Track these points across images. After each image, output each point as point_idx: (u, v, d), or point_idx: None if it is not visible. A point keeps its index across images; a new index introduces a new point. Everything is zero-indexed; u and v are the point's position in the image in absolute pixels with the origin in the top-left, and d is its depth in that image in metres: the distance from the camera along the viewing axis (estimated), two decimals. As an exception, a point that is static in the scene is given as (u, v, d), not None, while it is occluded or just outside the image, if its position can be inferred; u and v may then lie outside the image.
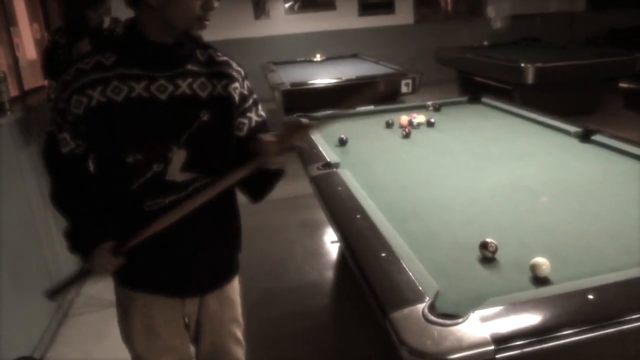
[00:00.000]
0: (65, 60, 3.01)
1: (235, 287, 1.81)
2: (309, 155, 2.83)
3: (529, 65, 5.99)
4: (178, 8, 1.38)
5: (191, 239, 1.58)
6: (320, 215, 3.41)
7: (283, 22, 9.83)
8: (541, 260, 1.57)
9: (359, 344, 2.78)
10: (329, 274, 3.56)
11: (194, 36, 1.48)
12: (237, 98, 1.56)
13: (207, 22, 1.42)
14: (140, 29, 1.43)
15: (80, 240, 1.57)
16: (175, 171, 1.48)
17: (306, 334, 2.93)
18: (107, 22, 3.22)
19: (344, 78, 5.78)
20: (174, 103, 1.45)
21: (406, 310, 1.37)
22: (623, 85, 4.53)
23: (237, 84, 1.56)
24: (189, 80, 1.48)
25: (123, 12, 1.65)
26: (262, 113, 1.67)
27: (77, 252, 1.58)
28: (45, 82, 3.57)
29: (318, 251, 3.86)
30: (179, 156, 1.47)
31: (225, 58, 1.57)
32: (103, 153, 1.49)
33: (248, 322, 2.98)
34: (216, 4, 1.40)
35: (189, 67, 1.49)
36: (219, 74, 1.53)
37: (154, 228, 1.48)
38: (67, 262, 3.34)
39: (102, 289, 3.42)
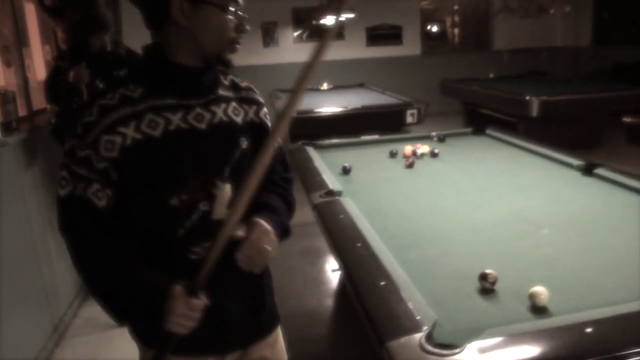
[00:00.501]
0: (66, 85, 3.06)
1: (280, 333, 1.61)
2: (312, 183, 2.85)
3: (534, 98, 6.03)
4: (213, 29, 1.27)
5: (231, 283, 1.39)
6: (322, 243, 3.42)
7: (291, 51, 9.96)
8: (540, 289, 1.58)
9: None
10: (329, 302, 3.55)
11: (226, 60, 1.35)
12: (269, 124, 1.45)
13: (238, 46, 1.36)
14: (166, 53, 1.28)
15: (141, 300, 1.25)
16: (222, 208, 1.32)
17: (305, 362, 2.91)
18: (108, 45, 3.27)
19: (349, 107, 5.84)
20: (214, 132, 1.31)
21: (403, 340, 1.37)
22: (626, 119, 4.56)
23: (265, 110, 1.47)
24: (223, 106, 1.36)
25: (133, 38, 1.65)
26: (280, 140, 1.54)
27: (139, 318, 1.30)
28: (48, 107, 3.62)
29: (318, 279, 3.86)
30: (224, 191, 1.32)
31: (247, 83, 1.47)
32: (142, 199, 1.27)
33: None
34: (248, 28, 1.34)
35: (220, 92, 1.37)
36: (248, 99, 1.43)
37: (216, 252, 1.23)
38: (65, 282, 3.36)
39: (100, 311, 3.43)
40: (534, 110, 6.02)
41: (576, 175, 2.94)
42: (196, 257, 1.30)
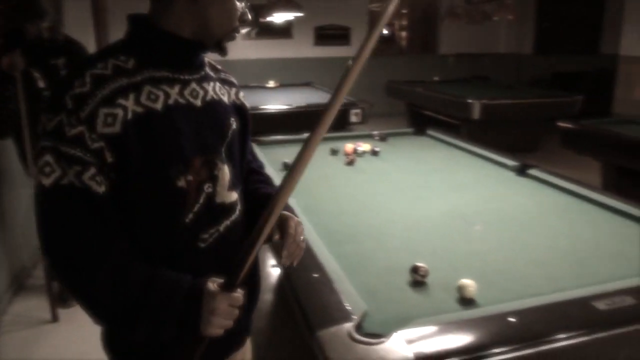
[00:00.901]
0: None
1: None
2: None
3: (475, 102, 6.20)
4: (225, 11, 1.20)
5: None
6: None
7: (239, 48, 9.89)
8: (468, 282, 1.64)
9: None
10: (268, 297, 3.53)
11: (224, 47, 1.25)
12: (247, 106, 1.41)
13: (237, 35, 1.27)
14: (163, 25, 1.17)
15: (172, 305, 1.09)
16: (224, 190, 1.25)
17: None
18: (45, 33, 3.17)
19: (294, 105, 5.85)
20: (208, 110, 1.24)
21: (333, 329, 1.40)
22: (561, 124, 4.75)
23: (242, 92, 1.42)
24: (212, 84, 1.28)
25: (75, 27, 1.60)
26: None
27: (167, 327, 1.10)
28: None
29: (259, 276, 3.83)
30: (224, 172, 1.25)
31: (220, 66, 1.41)
32: (146, 182, 1.11)
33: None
34: (250, 18, 1.26)
35: (207, 70, 1.30)
36: (227, 81, 1.38)
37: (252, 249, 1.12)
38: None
39: (32, 307, 3.33)
40: (476, 113, 6.19)
41: (510, 175, 3.04)
42: (205, 246, 1.21)
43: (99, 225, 1.07)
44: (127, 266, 1.09)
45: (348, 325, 1.40)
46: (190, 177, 1.16)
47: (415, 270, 1.76)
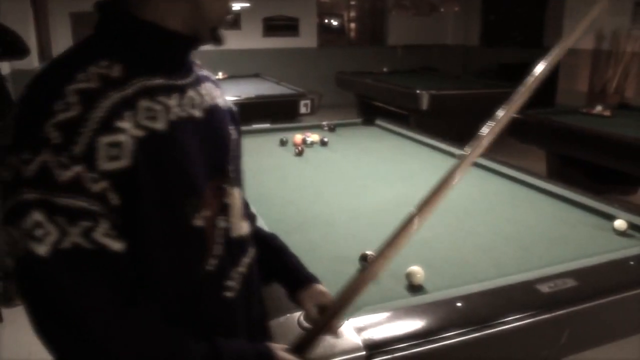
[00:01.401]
0: None
1: None
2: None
3: (424, 92, 6.28)
4: None
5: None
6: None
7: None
8: (416, 269, 1.66)
9: None
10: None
11: (220, 36, 1.01)
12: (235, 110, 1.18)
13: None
14: (145, 14, 0.90)
15: None
16: (239, 221, 1.05)
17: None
18: None
19: (243, 96, 5.80)
20: (210, 120, 1.01)
21: (282, 318, 1.40)
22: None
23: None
24: (205, 86, 1.06)
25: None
26: None
27: None
28: None
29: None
30: (235, 198, 1.03)
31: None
32: (158, 226, 0.88)
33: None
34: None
35: (196, 70, 1.06)
36: (212, 80, 1.13)
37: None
38: None
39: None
40: (424, 104, 6.27)
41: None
42: (232, 295, 1.01)
43: (127, 298, 0.83)
44: (182, 347, 0.87)
45: (297, 314, 1.40)
46: (206, 212, 0.94)
47: (364, 258, 1.77)
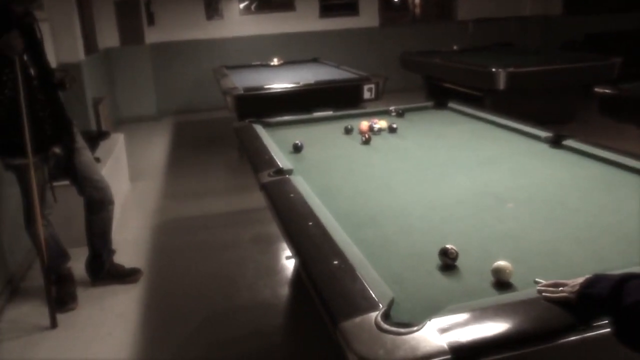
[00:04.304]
0: None
1: None
2: (260, 162, 2.84)
3: (500, 70, 6.14)
4: None
5: None
6: (274, 229, 3.42)
7: (238, 24, 9.86)
8: (503, 264, 1.62)
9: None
10: (284, 291, 3.56)
11: None
12: None
13: None
14: None
15: None
16: None
17: (258, 355, 2.93)
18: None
19: (301, 83, 5.82)
20: None
21: (358, 319, 1.39)
22: (598, 90, 4.68)
23: None
24: None
25: None
26: None
27: None
28: None
29: (272, 268, 3.86)
30: None
31: None
32: None
33: (193, 345, 2.97)
34: None
35: None
36: None
37: None
38: None
39: (28, 312, 3.36)
40: (501, 83, 6.13)
41: (544, 147, 3.01)
42: None
43: None
44: None
45: (374, 314, 1.39)
46: None
47: (444, 252, 1.74)
